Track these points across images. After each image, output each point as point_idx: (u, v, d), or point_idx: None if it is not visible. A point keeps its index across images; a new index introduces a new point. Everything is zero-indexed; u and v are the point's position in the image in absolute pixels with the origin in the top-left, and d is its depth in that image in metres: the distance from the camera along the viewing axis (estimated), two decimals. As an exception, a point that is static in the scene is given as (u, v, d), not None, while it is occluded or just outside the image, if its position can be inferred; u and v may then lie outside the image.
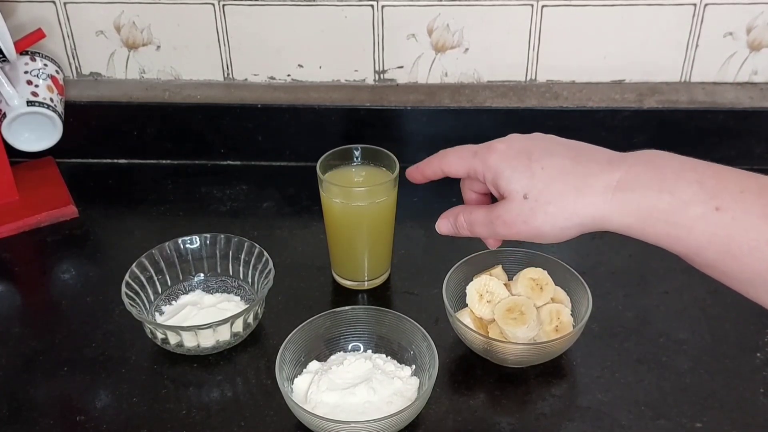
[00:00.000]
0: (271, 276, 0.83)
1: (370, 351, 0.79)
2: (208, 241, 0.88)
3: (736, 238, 0.48)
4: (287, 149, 1.10)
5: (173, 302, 0.86)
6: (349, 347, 0.79)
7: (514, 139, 0.59)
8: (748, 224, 0.48)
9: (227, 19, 1.05)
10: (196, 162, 1.11)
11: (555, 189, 0.55)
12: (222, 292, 0.87)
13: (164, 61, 1.10)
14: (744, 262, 0.48)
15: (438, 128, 1.06)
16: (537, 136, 0.59)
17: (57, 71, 1.05)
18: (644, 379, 0.77)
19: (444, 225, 0.64)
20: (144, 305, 0.83)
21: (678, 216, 0.50)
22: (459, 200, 1.04)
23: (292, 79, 1.10)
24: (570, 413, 0.75)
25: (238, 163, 1.11)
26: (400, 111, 1.06)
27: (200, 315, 0.83)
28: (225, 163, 1.11)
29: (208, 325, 0.78)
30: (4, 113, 0.97)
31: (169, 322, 0.82)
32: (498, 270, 0.83)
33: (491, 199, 0.64)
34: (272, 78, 1.10)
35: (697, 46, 1.04)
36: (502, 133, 1.11)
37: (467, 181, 0.65)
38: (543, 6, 1.02)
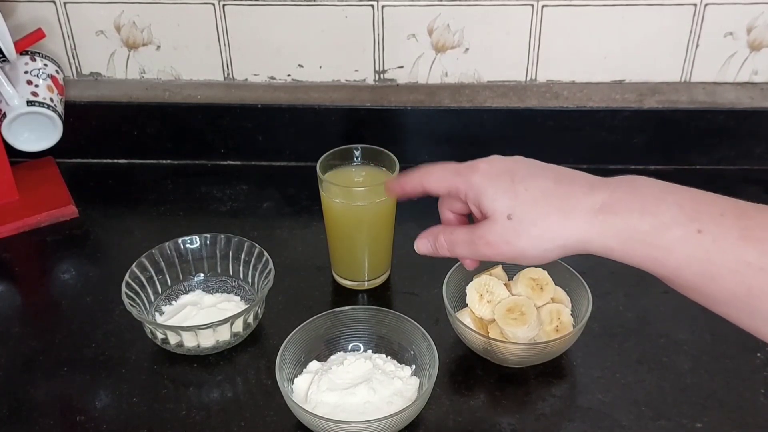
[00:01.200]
0: (271, 276, 0.83)
1: (370, 351, 0.79)
2: (208, 241, 0.88)
3: (715, 260, 0.49)
4: (287, 149, 1.09)
5: (173, 302, 0.86)
6: (349, 347, 0.79)
7: (496, 159, 0.59)
8: (727, 246, 0.48)
9: (227, 19, 1.05)
10: (196, 162, 1.11)
11: (539, 211, 0.55)
12: (222, 292, 0.87)
13: (164, 61, 1.10)
14: (722, 284, 0.49)
15: (438, 128, 1.06)
16: (518, 159, 0.59)
17: (57, 71, 1.05)
18: (644, 380, 0.77)
19: (423, 245, 0.63)
20: (144, 305, 0.83)
21: (659, 238, 0.51)
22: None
23: (292, 79, 1.10)
24: (570, 413, 0.75)
25: (238, 163, 1.11)
26: (400, 111, 1.06)
27: (200, 315, 0.83)
28: (225, 163, 1.11)
29: (208, 325, 0.78)
30: (4, 113, 0.97)
31: (169, 322, 0.82)
32: (498, 270, 0.83)
33: (469, 219, 0.63)
34: (272, 78, 1.10)
35: (697, 46, 1.04)
36: (502, 134, 1.12)
37: (446, 200, 0.64)
38: (543, 6, 1.02)
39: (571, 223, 0.53)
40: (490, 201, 0.56)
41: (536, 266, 0.63)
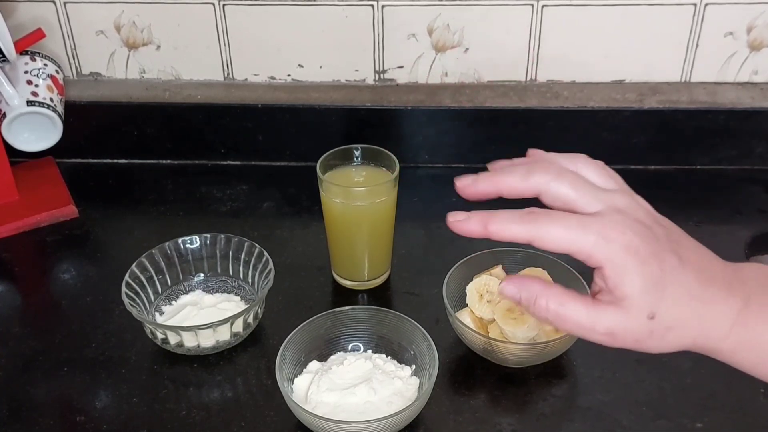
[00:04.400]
0: (271, 276, 0.83)
1: (370, 351, 0.79)
2: (208, 241, 0.88)
3: None
4: (287, 149, 1.09)
5: (173, 302, 0.86)
6: (349, 347, 0.79)
7: (632, 222, 0.47)
8: None
9: (227, 19, 1.05)
10: (196, 162, 1.11)
11: (680, 315, 0.47)
12: (222, 292, 0.87)
13: (164, 61, 1.10)
14: None
15: (438, 128, 1.06)
16: (653, 224, 0.48)
17: (57, 71, 1.05)
18: (644, 380, 0.77)
19: (511, 291, 0.49)
20: (144, 305, 0.83)
21: None
22: (459, 200, 1.05)
23: (292, 79, 1.10)
24: (570, 413, 0.75)
25: (238, 163, 1.11)
26: (400, 111, 1.06)
27: (200, 315, 0.83)
28: (225, 163, 1.11)
29: (208, 325, 0.77)
30: (4, 113, 0.97)
31: (169, 322, 0.82)
32: (498, 270, 0.83)
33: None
34: (272, 78, 1.10)
35: (697, 46, 1.04)
36: (502, 134, 1.12)
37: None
38: (543, 6, 1.02)
39: (706, 332, 0.48)
40: (636, 290, 0.46)
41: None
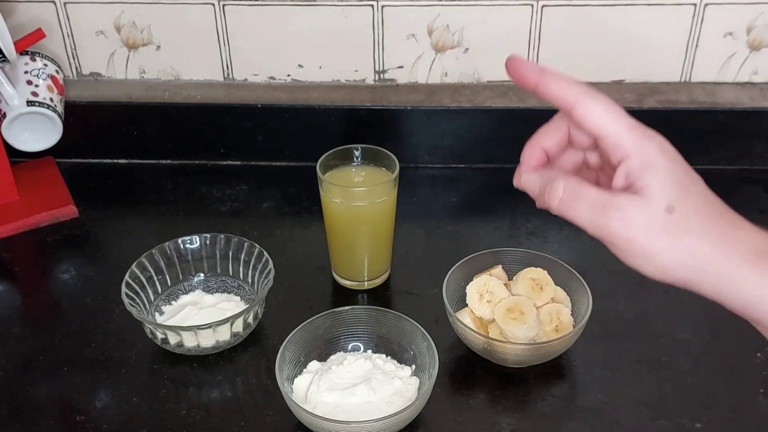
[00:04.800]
0: (271, 276, 0.83)
1: (370, 351, 0.79)
2: (208, 241, 0.88)
3: None
4: (287, 149, 1.10)
5: (173, 302, 0.86)
6: (349, 347, 0.79)
7: (666, 143, 0.48)
8: None
9: (227, 19, 1.05)
10: (196, 162, 1.11)
11: (700, 222, 0.46)
12: (222, 292, 0.87)
13: (164, 61, 1.10)
14: None
15: (438, 128, 1.06)
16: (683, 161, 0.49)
17: (57, 71, 1.05)
18: (644, 379, 0.77)
19: (531, 181, 0.50)
20: (144, 305, 0.83)
21: None
22: (459, 200, 1.05)
23: (292, 79, 1.10)
24: (570, 413, 0.75)
25: (238, 163, 1.11)
26: (400, 111, 1.06)
27: (200, 315, 0.83)
28: (225, 163, 1.11)
29: (208, 325, 0.78)
30: (4, 113, 0.97)
31: (169, 322, 0.82)
32: (498, 270, 0.83)
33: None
34: (272, 78, 1.10)
35: (697, 46, 1.04)
36: (502, 133, 1.12)
37: (555, 131, 0.52)
38: (543, 6, 1.02)
39: (727, 249, 0.45)
40: (658, 181, 0.46)
41: (648, 272, 0.48)
